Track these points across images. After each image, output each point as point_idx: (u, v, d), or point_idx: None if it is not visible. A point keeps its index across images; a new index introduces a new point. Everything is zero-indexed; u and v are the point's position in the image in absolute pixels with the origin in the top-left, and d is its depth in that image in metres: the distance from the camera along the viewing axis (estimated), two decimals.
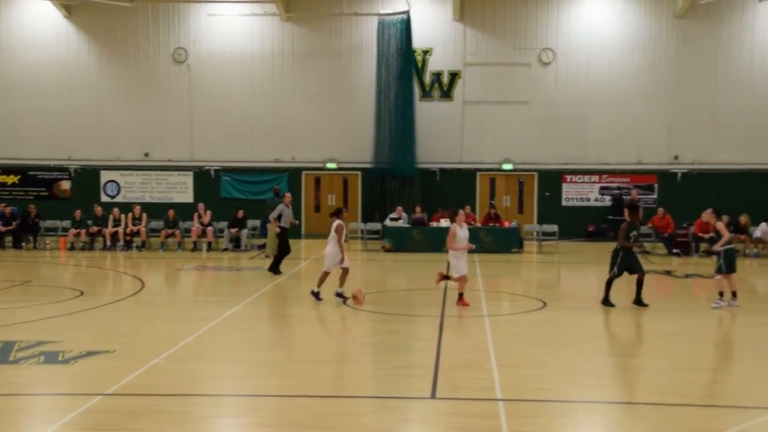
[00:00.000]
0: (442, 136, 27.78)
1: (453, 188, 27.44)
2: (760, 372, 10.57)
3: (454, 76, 27.94)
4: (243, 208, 25.40)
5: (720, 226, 14.40)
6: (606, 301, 14.73)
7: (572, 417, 8.74)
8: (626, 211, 22.85)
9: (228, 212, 25.56)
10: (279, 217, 19.07)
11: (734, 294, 14.53)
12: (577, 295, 17.60)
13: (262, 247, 24.01)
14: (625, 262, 14.56)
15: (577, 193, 27.64)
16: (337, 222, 15.25)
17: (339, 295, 15.03)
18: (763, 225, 22.97)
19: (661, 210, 24.28)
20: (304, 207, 29.10)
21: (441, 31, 27.84)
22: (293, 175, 28.92)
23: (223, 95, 28.84)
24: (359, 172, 28.55)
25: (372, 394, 9.39)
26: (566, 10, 27.37)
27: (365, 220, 27.30)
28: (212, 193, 28.64)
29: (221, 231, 25.20)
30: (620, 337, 12.99)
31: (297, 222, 21.05)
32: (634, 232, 14.66)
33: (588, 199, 27.62)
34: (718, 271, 14.42)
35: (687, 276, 19.21)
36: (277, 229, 19.00)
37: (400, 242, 23.92)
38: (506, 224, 24.61)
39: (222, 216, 25.52)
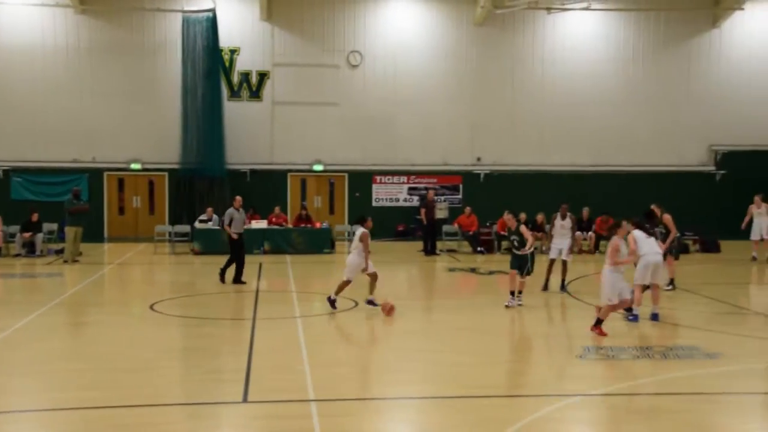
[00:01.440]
0: (252, 137, 27.43)
1: (264, 189, 27.16)
2: (555, 362, 11.19)
3: (263, 76, 27.66)
4: (38, 210, 23.78)
5: (524, 229, 14.94)
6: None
7: (384, 414, 8.82)
8: (422, 211, 23.74)
9: (20, 215, 23.83)
10: (230, 223, 17.82)
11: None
12: (387, 294, 17.85)
13: (60, 251, 22.59)
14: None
15: (386, 194, 28.20)
16: (361, 230, 14.32)
17: (370, 302, 14.34)
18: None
19: (467, 209, 25.22)
20: (106, 209, 27.74)
21: (248, 31, 27.47)
22: (94, 175, 27.49)
23: (10, 91, 26.90)
24: (166, 173, 27.60)
25: (182, 401, 9.03)
26: (373, 14, 27.86)
27: (173, 222, 26.43)
28: (1, 194, 26.63)
29: (12, 236, 23.43)
30: (429, 334, 13.31)
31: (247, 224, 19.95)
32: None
33: (397, 200, 28.24)
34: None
35: (491, 273, 20.06)
36: (234, 236, 17.58)
37: (210, 244, 23.34)
38: (317, 225, 24.67)
39: (12, 219, 23.74)
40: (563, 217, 16.52)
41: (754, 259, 21.42)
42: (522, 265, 14.52)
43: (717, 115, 28.35)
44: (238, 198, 18.28)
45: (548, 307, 15.08)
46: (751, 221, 21.70)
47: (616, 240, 12.29)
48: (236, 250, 17.60)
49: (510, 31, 28.08)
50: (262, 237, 23.67)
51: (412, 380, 10.09)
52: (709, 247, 24.39)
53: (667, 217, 16.60)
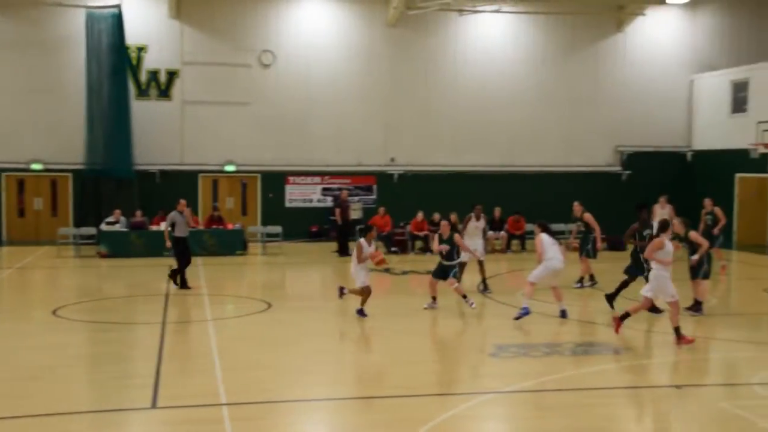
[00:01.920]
0: (162, 137, 26.76)
1: (174, 190, 26.40)
2: (469, 360, 11.28)
3: (172, 74, 27.03)
4: None
5: (458, 238, 14.78)
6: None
7: (298, 416, 8.71)
8: (337, 211, 23.65)
9: None
10: (173, 227, 16.98)
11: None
12: (302, 295, 17.76)
13: None
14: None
15: (300, 194, 27.95)
16: (359, 241, 13.93)
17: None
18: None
19: (381, 209, 25.18)
20: (5, 212, 26.58)
21: (156, 28, 26.78)
22: None
23: None
24: (70, 174, 26.65)
25: (88, 409, 8.70)
26: (285, 14, 27.56)
27: (78, 224, 25.55)
28: None
29: None
30: (344, 335, 13.24)
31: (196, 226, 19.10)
32: (648, 231, 14.54)
33: (311, 200, 28.03)
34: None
35: (404, 273, 20.11)
36: (168, 243, 16.76)
37: (117, 247, 22.67)
38: (230, 226, 24.28)
39: None
40: (477, 218, 16.62)
41: None
42: (446, 274, 14.38)
43: (623, 117, 29.15)
44: (182, 201, 17.75)
45: (463, 307, 15.19)
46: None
47: (661, 238, 11.87)
48: (180, 254, 16.97)
49: (423, 32, 28.24)
50: None
51: (326, 381, 10.00)
52: (616, 245, 25.05)
53: (588, 216, 17.01)
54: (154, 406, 8.70)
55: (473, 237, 16.43)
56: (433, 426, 8.06)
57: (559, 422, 8.30)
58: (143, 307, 15.36)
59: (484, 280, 16.49)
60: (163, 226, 23.18)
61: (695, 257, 13.66)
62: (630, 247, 15.20)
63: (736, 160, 26.17)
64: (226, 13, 27.11)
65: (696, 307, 13.81)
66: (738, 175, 26.74)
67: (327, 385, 9.82)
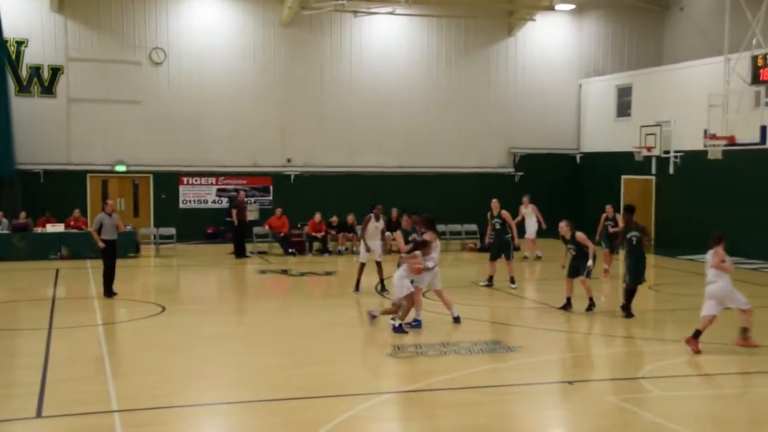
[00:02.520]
0: (46, 135, 25.70)
1: (60, 191, 25.51)
2: (367, 361, 11.30)
3: (56, 71, 25.99)
4: None
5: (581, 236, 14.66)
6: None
7: (193, 421, 8.52)
8: (233, 212, 23.28)
9: None
10: (100, 229, 15.89)
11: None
12: (197, 298, 17.39)
13: None
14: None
15: (194, 195, 27.38)
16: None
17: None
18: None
19: (279, 210, 24.87)
20: None
21: (37, 22, 25.69)
22: None
23: None
24: None
25: None
26: (176, 11, 26.93)
27: None
28: None
29: None
30: (239, 337, 13.04)
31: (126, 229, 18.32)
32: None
33: (206, 201, 27.51)
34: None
35: (302, 274, 19.98)
36: (101, 244, 15.75)
37: None
38: (121, 228, 23.49)
39: None
40: (377, 219, 16.51)
41: (525, 258, 22.46)
42: None
43: (515, 120, 29.86)
44: (110, 202, 17.12)
45: (360, 307, 15.21)
46: (523, 221, 22.84)
47: (720, 250, 11.30)
48: (107, 258, 16.08)
49: (318, 32, 28.16)
50: (59, 242, 22.28)
51: (222, 385, 9.83)
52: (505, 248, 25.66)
53: (506, 213, 17.17)
54: (39, 415, 8.33)
55: (373, 238, 16.40)
56: (330, 428, 8.02)
57: (456, 421, 8.40)
58: (28, 313, 14.74)
59: (381, 281, 16.53)
60: (49, 228, 22.53)
61: (590, 263, 14.04)
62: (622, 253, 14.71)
63: (622, 162, 27.20)
64: (112, 8, 26.31)
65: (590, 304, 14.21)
66: (624, 177, 27.82)
67: (223, 389, 9.65)
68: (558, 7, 28.08)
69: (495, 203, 17.54)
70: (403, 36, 28.78)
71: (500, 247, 17.08)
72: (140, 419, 8.32)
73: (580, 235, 14.13)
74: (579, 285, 14.21)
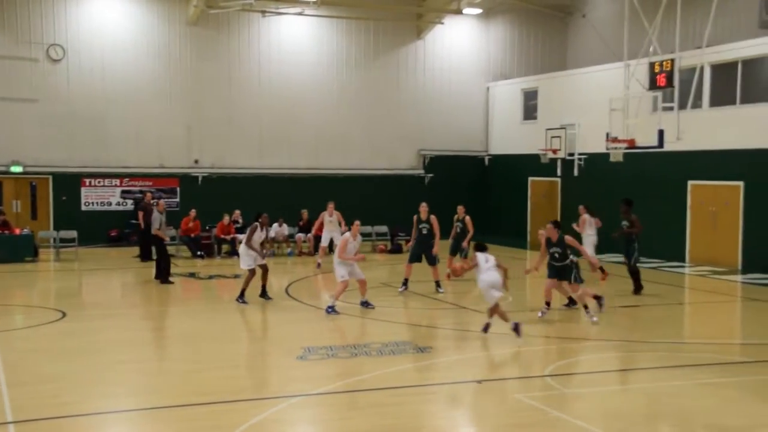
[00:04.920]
0: None
1: None
2: (276, 364, 11.17)
3: None
4: None
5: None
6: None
7: (97, 430, 8.24)
8: (140, 214, 22.64)
9: None
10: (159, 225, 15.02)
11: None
12: (100, 303, 16.85)
13: None
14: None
15: (97, 197, 26.56)
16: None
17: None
18: (275, 225, 24.51)
19: (192, 212, 24.18)
20: None
21: None
22: None
23: None
24: None
25: None
26: (75, 7, 26.01)
27: None
28: None
29: None
30: (144, 343, 12.71)
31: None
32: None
33: (110, 204, 26.72)
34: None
35: (210, 277, 19.63)
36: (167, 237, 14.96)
37: None
38: (17, 231, 22.64)
39: None
40: (262, 228, 15.83)
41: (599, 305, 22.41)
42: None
43: (425, 122, 30.11)
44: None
45: (266, 311, 15.04)
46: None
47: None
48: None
49: (225, 32, 27.74)
50: None
51: (126, 392, 9.54)
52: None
53: (434, 218, 17.05)
54: None
55: (256, 245, 15.59)
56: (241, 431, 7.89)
57: (368, 422, 8.38)
58: None
59: (264, 286, 16.09)
60: None
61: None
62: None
63: (529, 164, 27.80)
64: (5, 3, 25.28)
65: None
66: (531, 179, 28.42)
67: (129, 396, 9.37)
68: (466, 11, 28.46)
69: (424, 208, 17.28)
70: (312, 37, 28.66)
71: (424, 251, 16.90)
72: (40, 429, 7.99)
73: (569, 239, 13.88)
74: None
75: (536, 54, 31.06)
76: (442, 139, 30.26)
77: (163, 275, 17.94)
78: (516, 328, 12.03)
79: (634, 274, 16.73)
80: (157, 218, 18.14)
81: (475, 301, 15.37)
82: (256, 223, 15.59)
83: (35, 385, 9.59)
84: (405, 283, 16.88)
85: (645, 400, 9.38)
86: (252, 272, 15.45)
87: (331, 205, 21.97)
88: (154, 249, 18.66)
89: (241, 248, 15.70)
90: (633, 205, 17.09)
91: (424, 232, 17.04)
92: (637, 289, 16.64)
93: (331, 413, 8.87)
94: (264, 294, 15.71)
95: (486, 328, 12.38)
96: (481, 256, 12.37)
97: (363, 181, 28.96)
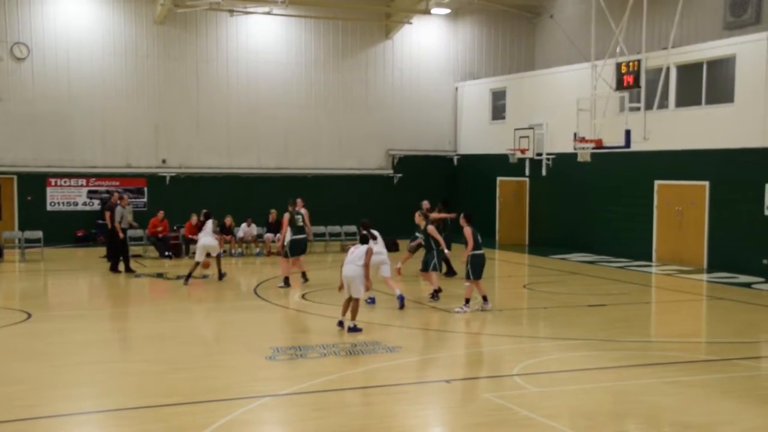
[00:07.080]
0: None
1: None
2: (244, 365, 11.10)
3: None
4: None
5: (467, 232, 14.37)
6: None
7: None
8: (107, 214, 22.36)
9: None
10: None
11: (485, 298, 14.59)
12: (66, 304, 16.66)
13: None
14: None
15: (63, 197, 26.24)
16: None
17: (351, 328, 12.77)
18: (243, 225, 24.38)
19: (161, 213, 23.98)
20: None
21: None
22: None
23: None
24: None
25: None
26: (39, 5, 25.62)
27: None
28: None
29: None
30: (111, 343, 12.58)
31: None
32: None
33: (76, 204, 26.41)
34: (467, 277, 14.27)
35: (178, 278, 19.46)
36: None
37: None
38: None
39: None
40: (249, 225, 16.23)
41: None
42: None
43: (393, 122, 30.14)
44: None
45: (237, 311, 14.96)
46: None
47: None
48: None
49: (193, 31, 27.53)
50: None
51: (93, 393, 9.43)
52: (389, 246, 25.81)
53: (432, 229, 16.90)
54: None
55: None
56: None
57: (338, 422, 8.37)
58: None
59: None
60: None
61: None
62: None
63: (497, 164, 27.92)
64: None
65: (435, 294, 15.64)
66: (499, 179, 28.56)
67: (94, 397, 9.26)
68: (434, 11, 28.52)
69: (229, 219, 17.46)
70: (280, 36, 28.55)
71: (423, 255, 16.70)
72: None
73: (430, 229, 15.26)
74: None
75: (504, 54, 31.22)
76: (410, 138, 30.31)
77: (125, 265, 18.71)
78: (351, 329, 12.54)
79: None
80: (119, 212, 18.31)
81: (446, 300, 15.43)
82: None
83: (0, 387, 9.45)
84: (435, 294, 15.99)
85: (612, 398, 9.48)
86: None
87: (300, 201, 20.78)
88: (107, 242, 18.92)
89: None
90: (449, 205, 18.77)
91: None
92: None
93: (300, 413, 8.84)
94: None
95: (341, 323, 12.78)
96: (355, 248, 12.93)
97: (332, 180, 28.92)
